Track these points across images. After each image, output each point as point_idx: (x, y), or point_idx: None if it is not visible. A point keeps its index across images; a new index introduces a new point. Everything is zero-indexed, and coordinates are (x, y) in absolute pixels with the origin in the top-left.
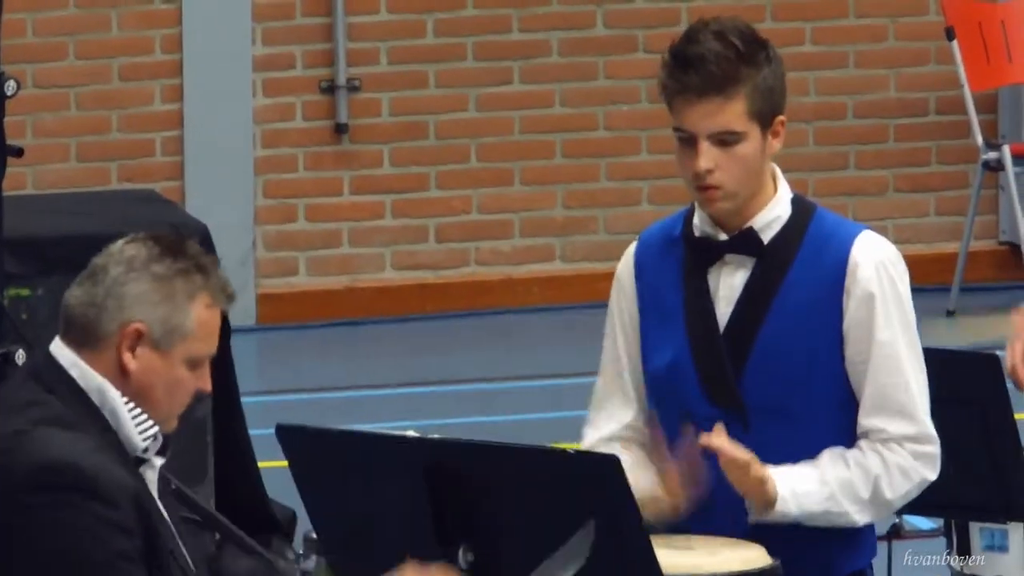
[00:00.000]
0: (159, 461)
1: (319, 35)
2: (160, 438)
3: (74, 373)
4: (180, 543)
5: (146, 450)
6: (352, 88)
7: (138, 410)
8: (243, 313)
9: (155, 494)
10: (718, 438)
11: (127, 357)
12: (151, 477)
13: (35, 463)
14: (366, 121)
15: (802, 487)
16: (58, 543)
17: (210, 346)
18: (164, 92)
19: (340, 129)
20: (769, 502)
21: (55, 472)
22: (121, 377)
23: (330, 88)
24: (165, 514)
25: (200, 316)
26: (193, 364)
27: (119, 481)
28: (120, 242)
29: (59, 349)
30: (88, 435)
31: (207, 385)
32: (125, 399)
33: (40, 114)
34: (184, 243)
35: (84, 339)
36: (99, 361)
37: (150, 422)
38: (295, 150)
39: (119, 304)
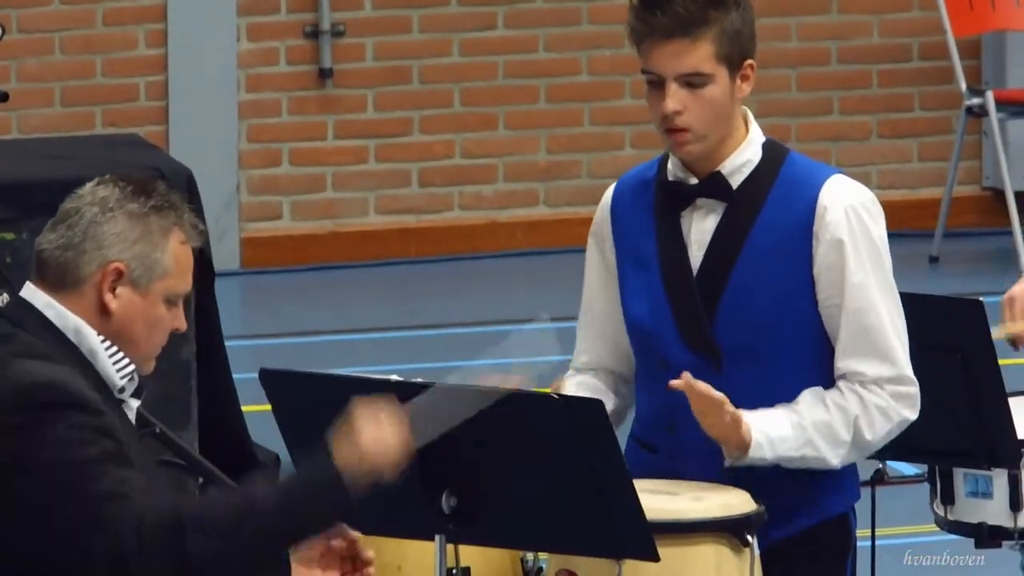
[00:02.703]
0: (135, 403)
1: None
2: (136, 379)
3: (49, 314)
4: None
5: (122, 390)
6: (336, 33)
7: (114, 348)
8: (227, 257)
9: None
10: (690, 379)
11: (108, 297)
12: (130, 417)
13: (15, 385)
14: (350, 66)
15: (777, 432)
16: (48, 454)
17: (186, 283)
18: (148, 37)
19: (324, 74)
20: (743, 446)
21: (36, 390)
22: (101, 317)
23: (314, 33)
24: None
25: (176, 252)
26: (170, 302)
27: (98, 398)
28: (89, 185)
29: (32, 293)
30: (68, 367)
31: (182, 324)
32: (102, 338)
33: (24, 59)
34: (153, 182)
35: (61, 282)
36: (76, 303)
37: (127, 360)
38: (279, 94)
39: (97, 244)
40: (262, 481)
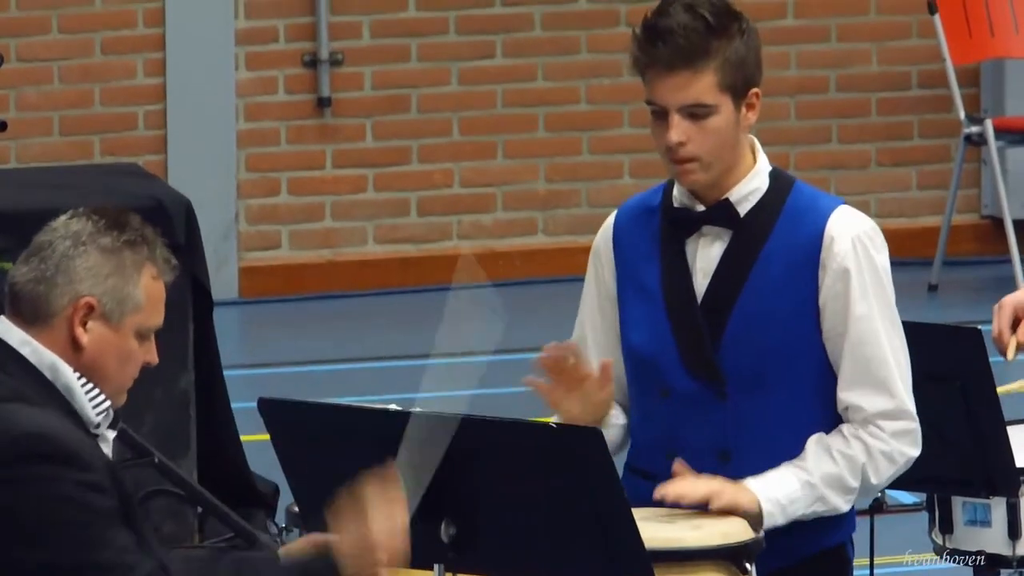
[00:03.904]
0: (111, 434)
1: (301, 9)
2: (111, 413)
3: (25, 351)
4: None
5: (98, 425)
6: (334, 61)
7: (90, 384)
8: (226, 286)
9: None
10: (673, 488)
11: (79, 331)
12: (106, 450)
13: (6, 436)
14: (348, 94)
15: (786, 495)
16: (40, 512)
17: (158, 318)
18: (147, 66)
19: (322, 102)
20: (753, 518)
21: (28, 443)
22: (73, 352)
23: (312, 61)
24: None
25: (148, 287)
26: (142, 336)
27: (90, 448)
28: (62, 217)
29: (7, 329)
30: (50, 408)
31: (154, 358)
32: (77, 374)
33: (23, 88)
34: (127, 215)
35: (34, 316)
36: (49, 337)
37: (102, 396)
38: (277, 123)
39: (69, 279)
40: (261, 564)
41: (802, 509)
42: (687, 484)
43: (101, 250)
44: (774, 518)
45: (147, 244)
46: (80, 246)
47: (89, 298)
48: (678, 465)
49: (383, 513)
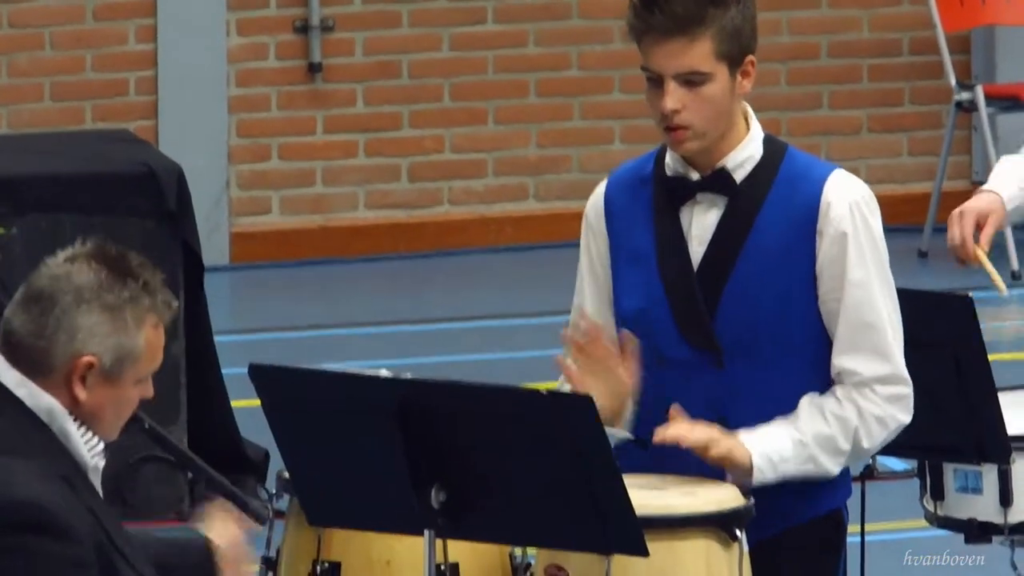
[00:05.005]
0: (101, 463)
1: None
2: (104, 453)
3: (20, 393)
4: (132, 563)
5: (95, 468)
6: (325, 28)
7: (84, 427)
8: (217, 252)
9: (101, 497)
10: (672, 430)
11: (78, 388)
12: (95, 480)
13: (1, 500)
14: (339, 60)
15: (778, 452)
16: None
17: (156, 362)
18: (138, 32)
19: (313, 68)
20: (744, 471)
21: (22, 512)
22: (71, 404)
23: (303, 28)
24: (115, 532)
25: (148, 338)
26: (141, 382)
27: (77, 513)
28: (62, 262)
29: (4, 370)
30: (37, 458)
31: (150, 393)
32: (72, 416)
33: (14, 54)
34: (127, 259)
35: (32, 368)
36: (48, 385)
37: (96, 439)
38: (268, 89)
39: (70, 337)
40: None
41: (792, 469)
42: (685, 427)
43: (103, 307)
44: (764, 474)
45: (149, 293)
46: (83, 304)
47: (90, 357)
48: (674, 410)
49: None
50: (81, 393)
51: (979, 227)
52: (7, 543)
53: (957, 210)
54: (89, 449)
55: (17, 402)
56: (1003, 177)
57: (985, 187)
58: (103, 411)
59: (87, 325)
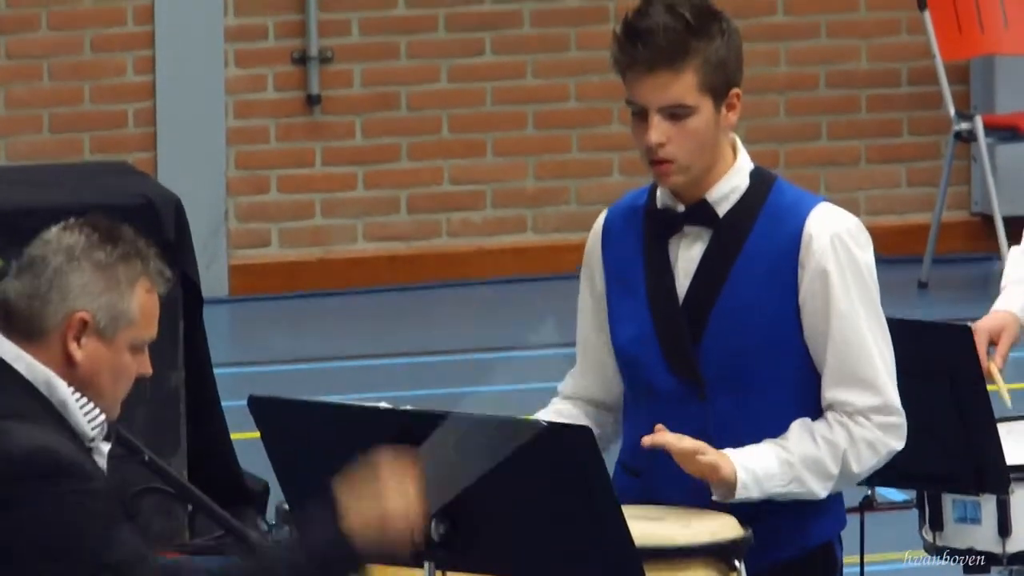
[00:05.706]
0: (106, 447)
1: (291, 6)
2: (105, 426)
3: (19, 366)
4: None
5: (93, 439)
6: (324, 59)
7: (84, 399)
8: (215, 284)
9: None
10: (660, 436)
11: (73, 347)
12: (101, 464)
13: (6, 456)
14: (338, 92)
15: (764, 469)
16: (50, 528)
17: (151, 330)
18: (136, 63)
19: (312, 100)
20: (728, 487)
21: (28, 460)
22: (67, 367)
23: (302, 59)
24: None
25: (142, 301)
26: (135, 349)
27: (84, 459)
28: (55, 229)
29: (1, 343)
30: (45, 425)
31: (148, 369)
32: (71, 388)
33: (12, 85)
34: (120, 227)
35: (28, 332)
36: (44, 352)
37: (97, 410)
38: (267, 121)
39: (63, 295)
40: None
41: (778, 486)
42: (673, 436)
43: (95, 265)
44: (748, 490)
45: (141, 258)
46: (73, 261)
47: (83, 314)
48: (659, 428)
49: (397, 485)
50: (77, 352)
51: (993, 343)
52: (31, 492)
53: (974, 326)
54: (90, 421)
55: (16, 375)
56: (1010, 291)
57: (994, 307)
58: (100, 375)
59: (80, 283)
